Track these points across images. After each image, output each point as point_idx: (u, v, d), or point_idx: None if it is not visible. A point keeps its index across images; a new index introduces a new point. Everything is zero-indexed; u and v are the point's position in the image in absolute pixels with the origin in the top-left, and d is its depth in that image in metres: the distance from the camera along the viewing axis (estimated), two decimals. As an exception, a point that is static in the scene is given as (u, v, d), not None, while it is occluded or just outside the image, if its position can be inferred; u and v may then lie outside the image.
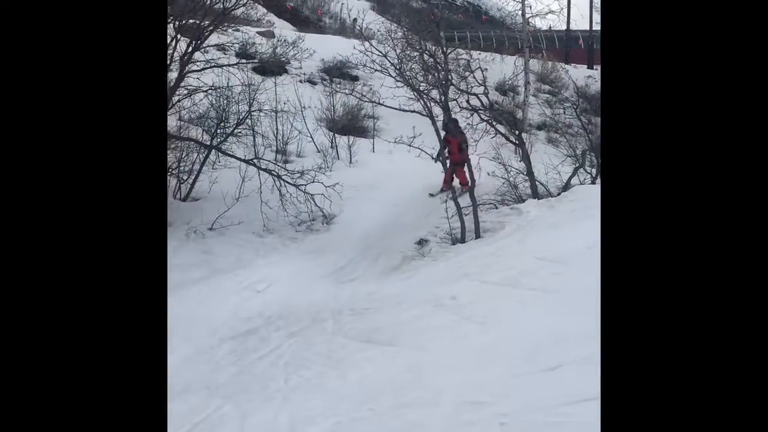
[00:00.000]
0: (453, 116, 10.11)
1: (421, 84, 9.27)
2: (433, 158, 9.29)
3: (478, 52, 18.42)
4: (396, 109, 9.77)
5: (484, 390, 4.61)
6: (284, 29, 21.74)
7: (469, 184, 10.06)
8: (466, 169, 10.31)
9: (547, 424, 3.88)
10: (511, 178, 10.16)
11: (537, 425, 3.93)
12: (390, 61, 9.06)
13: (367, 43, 9.24)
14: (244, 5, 10.69)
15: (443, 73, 9.33)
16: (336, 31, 28.96)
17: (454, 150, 10.34)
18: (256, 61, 13.47)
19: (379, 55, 9.10)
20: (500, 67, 17.34)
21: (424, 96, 8.98)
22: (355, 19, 29.44)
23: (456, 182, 10.49)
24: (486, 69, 17.66)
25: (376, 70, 9.54)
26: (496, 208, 9.61)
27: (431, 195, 10.33)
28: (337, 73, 15.93)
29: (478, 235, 8.59)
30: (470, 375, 4.90)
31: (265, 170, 9.68)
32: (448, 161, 10.53)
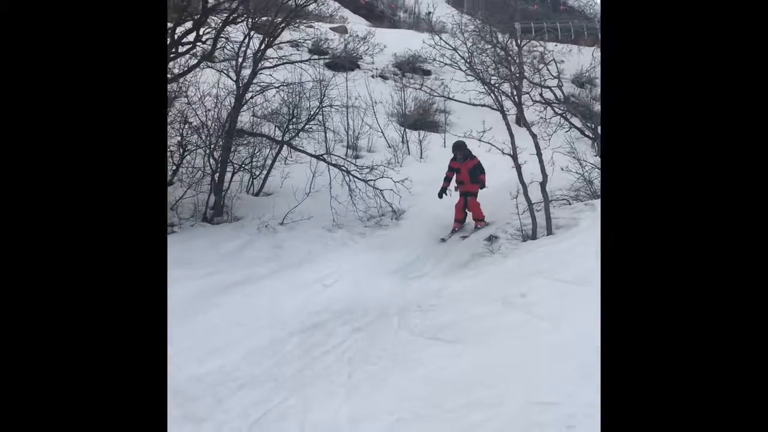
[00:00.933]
0: (460, 138, 9.39)
1: (492, 77, 9.08)
2: (502, 152, 8.83)
3: (555, 43, 18.00)
4: (465, 103, 9.61)
5: (552, 390, 4.49)
6: (359, 24, 21.85)
7: (485, 218, 9.24)
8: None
9: (616, 428, 3.73)
10: (585, 174, 9.86)
11: (606, 428, 3.77)
12: (460, 55, 8.93)
13: (436, 37, 9.12)
14: (314, 1, 10.75)
15: (515, 65, 9.12)
16: (410, 25, 28.90)
17: (464, 178, 9.39)
18: (328, 57, 13.54)
19: (448, 49, 8.97)
20: (577, 58, 16.89)
21: (495, 90, 8.79)
22: (429, 13, 29.30)
23: (469, 216, 9.55)
24: (562, 61, 17.24)
25: (445, 64, 9.41)
26: (570, 204, 9.34)
27: (443, 240, 9.28)
28: (409, 67, 15.88)
29: (549, 232, 8.37)
30: (538, 375, 4.77)
31: (334, 165, 9.73)
32: (458, 192, 9.51)
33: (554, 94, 9.56)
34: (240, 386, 5.30)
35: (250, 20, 9.81)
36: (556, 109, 9.63)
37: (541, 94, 9.62)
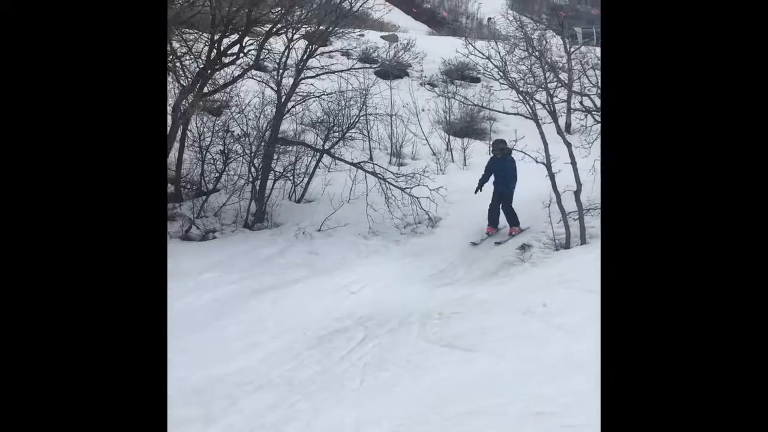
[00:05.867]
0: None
1: (528, 85, 8.99)
2: (536, 161, 8.69)
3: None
4: (499, 111, 9.61)
5: (554, 401, 4.49)
6: (417, 31, 21.97)
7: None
8: None
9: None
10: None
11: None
12: (494, 63, 8.90)
13: (470, 46, 9.12)
14: (361, 7, 10.90)
15: (551, 72, 9.02)
16: (472, 31, 28.76)
17: None
18: (376, 65, 13.71)
19: (482, 58, 8.96)
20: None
21: (529, 98, 8.69)
22: (489, 19, 29.17)
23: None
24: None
25: (479, 73, 9.42)
26: (608, 213, 9.16)
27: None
28: (458, 74, 15.82)
29: (583, 241, 8.28)
30: (545, 385, 4.78)
31: (371, 173, 9.88)
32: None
33: (593, 103, 9.41)
34: (256, 389, 5.48)
35: (291, 32, 10.06)
36: (597, 117, 9.45)
37: (581, 102, 9.50)
